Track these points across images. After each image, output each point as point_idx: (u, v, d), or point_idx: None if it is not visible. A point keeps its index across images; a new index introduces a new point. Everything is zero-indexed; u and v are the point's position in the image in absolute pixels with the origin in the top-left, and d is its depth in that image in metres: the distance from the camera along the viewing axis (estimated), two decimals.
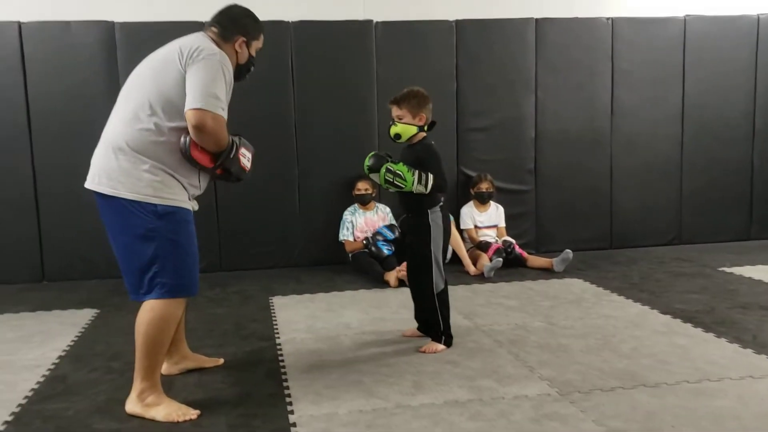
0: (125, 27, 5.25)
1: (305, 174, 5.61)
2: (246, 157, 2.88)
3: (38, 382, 3.21)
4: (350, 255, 5.43)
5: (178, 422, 2.70)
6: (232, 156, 2.78)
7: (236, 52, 2.88)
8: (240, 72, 2.93)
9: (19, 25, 5.18)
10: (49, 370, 3.38)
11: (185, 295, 2.81)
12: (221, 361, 3.42)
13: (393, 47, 5.68)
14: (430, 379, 3.11)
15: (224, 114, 2.68)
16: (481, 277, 5.12)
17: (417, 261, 3.54)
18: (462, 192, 5.88)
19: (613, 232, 6.22)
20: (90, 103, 5.15)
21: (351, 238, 5.45)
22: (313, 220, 5.68)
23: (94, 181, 2.73)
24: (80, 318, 4.31)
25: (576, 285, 4.85)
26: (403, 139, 3.50)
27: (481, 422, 2.65)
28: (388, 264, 5.12)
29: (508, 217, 5.85)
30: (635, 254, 5.92)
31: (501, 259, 5.23)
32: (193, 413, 2.76)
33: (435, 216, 3.48)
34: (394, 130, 3.50)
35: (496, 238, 5.67)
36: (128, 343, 3.74)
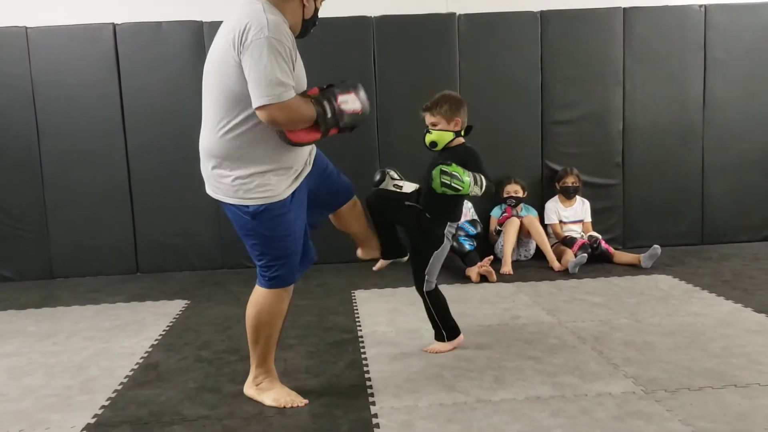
0: (214, 26, 5.41)
1: None
2: (349, 101, 2.71)
3: (132, 369, 3.37)
4: None
5: (285, 407, 2.82)
6: (330, 116, 2.66)
7: (303, 5, 2.69)
8: (306, 27, 2.75)
9: (114, 26, 5.43)
10: (143, 357, 3.54)
11: (283, 286, 2.84)
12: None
13: (476, 40, 5.64)
14: (512, 375, 3.08)
15: (291, 94, 2.53)
16: (565, 273, 5.04)
17: (415, 261, 3.45)
18: (547, 186, 5.79)
19: (704, 228, 5.99)
20: (179, 99, 5.34)
21: None
22: None
23: (208, 188, 2.80)
24: (172, 308, 4.49)
25: (664, 281, 4.70)
26: (440, 146, 3.35)
27: (562, 419, 2.62)
28: (469, 259, 5.10)
29: (595, 212, 5.73)
30: (727, 250, 5.69)
31: (586, 255, 5.12)
32: (301, 401, 2.85)
33: (449, 231, 3.39)
34: (429, 138, 3.35)
35: (582, 233, 5.55)
36: (217, 333, 3.91)
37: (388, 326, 3.86)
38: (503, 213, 5.59)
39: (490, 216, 5.67)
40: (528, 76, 5.69)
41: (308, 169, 2.84)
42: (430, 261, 3.38)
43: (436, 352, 3.43)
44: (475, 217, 5.51)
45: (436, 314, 3.48)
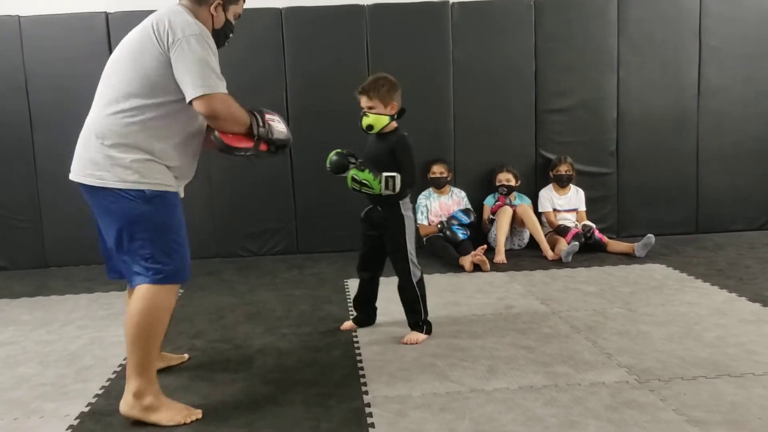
0: None
1: None
2: (276, 120, 2.77)
3: (126, 358, 3.35)
4: (425, 239, 5.43)
5: (185, 424, 2.60)
6: (263, 126, 2.69)
7: (212, 15, 2.71)
8: (217, 38, 2.73)
9: (107, 15, 5.39)
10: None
11: (178, 281, 2.67)
12: (186, 357, 3.31)
13: (470, 28, 5.61)
14: (505, 364, 3.09)
15: (226, 90, 2.58)
16: (559, 262, 5.04)
17: (391, 254, 3.46)
18: (541, 175, 5.78)
19: (699, 217, 6.00)
20: None
21: (426, 222, 5.45)
22: None
23: (80, 173, 2.64)
24: None
25: (658, 271, 4.71)
26: (376, 129, 3.38)
27: (556, 408, 2.62)
28: (463, 248, 5.11)
29: (589, 201, 5.72)
30: (722, 239, 5.70)
31: (578, 243, 5.12)
32: (197, 413, 2.66)
33: (406, 207, 3.43)
34: (366, 121, 3.36)
35: (576, 222, 5.55)
36: (210, 322, 3.91)
37: (381, 315, 3.85)
38: (496, 202, 5.58)
39: (483, 205, 5.66)
40: (522, 64, 5.68)
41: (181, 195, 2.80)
42: (407, 246, 3.39)
43: (416, 342, 3.40)
44: (469, 206, 5.51)
45: (424, 304, 3.46)
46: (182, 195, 2.80)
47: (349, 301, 4.23)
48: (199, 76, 2.50)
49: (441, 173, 5.48)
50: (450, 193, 5.56)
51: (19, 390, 3.02)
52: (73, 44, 5.38)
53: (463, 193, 5.59)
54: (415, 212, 3.51)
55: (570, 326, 3.59)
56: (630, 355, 3.14)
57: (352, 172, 3.27)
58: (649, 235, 5.15)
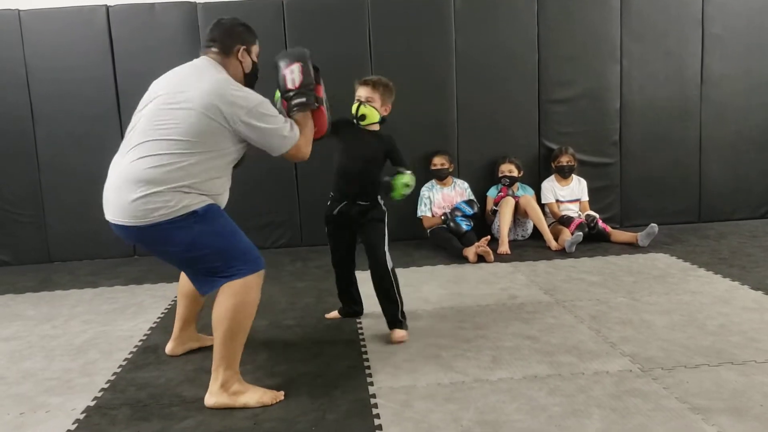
0: (207, 8, 5.38)
1: None
2: (290, 70, 2.86)
3: (131, 352, 3.38)
4: (428, 231, 5.44)
5: (273, 404, 2.69)
6: (306, 100, 2.85)
7: (240, 62, 2.85)
8: (250, 81, 2.90)
9: (107, 8, 5.38)
10: (141, 340, 3.55)
11: (260, 269, 2.72)
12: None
13: (472, 18, 5.60)
14: (509, 354, 3.10)
15: (293, 129, 2.78)
16: (562, 253, 5.04)
17: (373, 240, 3.42)
18: (544, 165, 5.78)
19: (701, 206, 6.00)
20: None
21: (429, 214, 5.46)
22: None
23: (122, 216, 2.65)
24: (170, 291, 4.49)
25: (661, 260, 4.71)
26: (367, 122, 3.39)
27: (560, 397, 2.63)
28: (466, 239, 5.11)
29: (592, 191, 5.72)
30: (725, 228, 5.70)
31: (581, 233, 5.12)
32: (280, 395, 2.75)
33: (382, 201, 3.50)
34: (362, 110, 3.37)
35: (579, 212, 5.55)
36: None
37: None
38: (499, 193, 5.58)
39: (486, 196, 5.66)
40: (525, 54, 5.67)
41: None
42: (386, 234, 3.42)
43: (401, 341, 3.33)
44: (472, 197, 5.51)
45: (399, 292, 3.40)
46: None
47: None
48: (279, 133, 2.73)
49: (442, 165, 5.47)
50: (453, 185, 5.55)
51: (25, 384, 3.04)
52: (74, 38, 5.38)
53: (466, 185, 5.59)
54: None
55: (574, 316, 3.59)
56: (633, 344, 3.15)
57: (406, 179, 3.36)
58: (652, 224, 5.15)
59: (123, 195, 2.60)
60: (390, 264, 3.41)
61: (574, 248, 5.03)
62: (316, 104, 2.90)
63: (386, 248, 3.40)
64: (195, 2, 5.41)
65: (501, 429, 2.41)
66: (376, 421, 2.51)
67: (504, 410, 2.55)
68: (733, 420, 2.39)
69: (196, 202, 2.61)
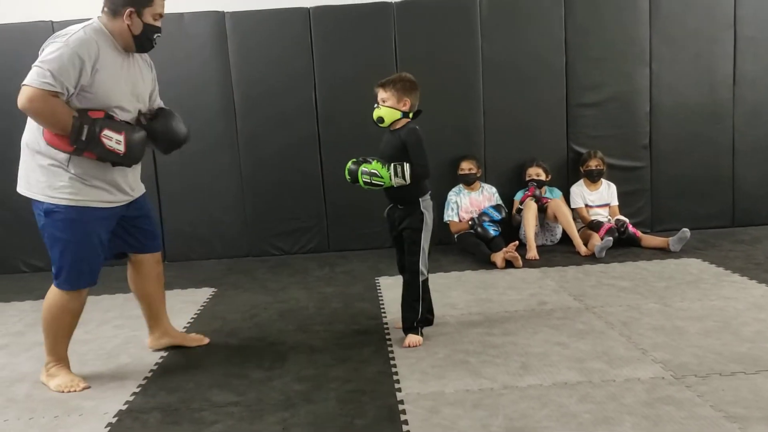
0: (235, 16, 5.42)
1: None
2: (114, 139, 2.81)
3: (162, 357, 3.41)
4: (456, 236, 5.42)
5: (64, 392, 2.98)
6: (84, 139, 2.74)
7: (128, 24, 2.89)
8: (141, 43, 2.97)
9: None
10: (172, 345, 3.58)
11: (65, 288, 2.99)
12: (207, 340, 3.58)
13: (499, 22, 5.57)
14: (538, 361, 3.07)
15: (53, 88, 2.68)
16: (592, 258, 4.99)
17: (407, 249, 3.42)
18: (573, 169, 5.73)
19: (735, 210, 5.89)
20: (202, 89, 5.37)
21: (456, 219, 5.44)
22: None
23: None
24: (199, 296, 4.53)
25: (694, 265, 4.64)
26: (386, 123, 3.39)
27: (590, 404, 2.60)
28: (494, 245, 5.08)
29: (622, 195, 5.66)
30: (760, 232, 5.59)
31: (611, 238, 5.06)
32: (79, 386, 3.00)
33: (426, 204, 3.41)
34: (377, 113, 3.38)
35: (609, 217, 5.49)
36: (244, 320, 3.95)
37: None
38: (526, 191, 5.53)
39: (513, 200, 5.63)
40: (552, 57, 5.62)
41: (126, 198, 3.07)
42: (422, 244, 3.39)
43: (416, 345, 3.34)
44: (500, 202, 5.48)
45: (420, 304, 3.40)
46: (119, 202, 3.09)
47: (380, 298, 4.24)
48: (35, 72, 2.68)
49: (470, 169, 5.45)
50: (480, 189, 5.53)
51: None
52: (190, 42, 5.44)
53: (494, 189, 5.56)
54: (434, 211, 3.49)
55: (604, 322, 3.55)
56: (666, 350, 3.10)
57: (362, 167, 3.33)
58: (684, 229, 5.07)
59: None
60: (422, 276, 3.41)
61: (603, 253, 4.97)
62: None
63: (419, 258, 3.39)
64: (223, 11, 5.45)
65: None
66: (404, 428, 2.50)
67: (534, 417, 2.52)
68: None
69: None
